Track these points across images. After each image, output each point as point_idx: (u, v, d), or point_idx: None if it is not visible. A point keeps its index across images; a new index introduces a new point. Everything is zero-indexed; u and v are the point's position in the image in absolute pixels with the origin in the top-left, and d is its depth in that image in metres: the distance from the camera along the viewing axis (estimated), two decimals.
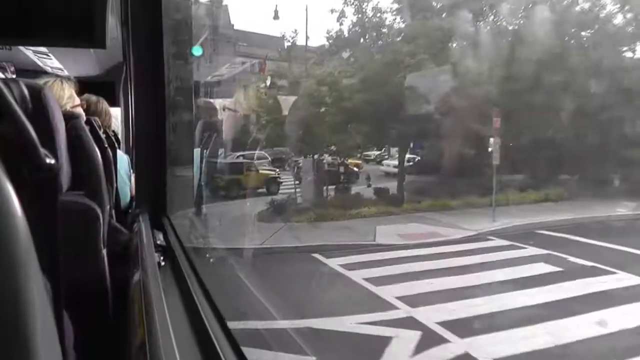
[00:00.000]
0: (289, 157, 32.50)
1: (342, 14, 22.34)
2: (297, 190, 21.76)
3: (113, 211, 2.30)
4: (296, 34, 26.51)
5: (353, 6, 22.29)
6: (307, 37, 26.82)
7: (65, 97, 2.49)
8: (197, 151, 2.83)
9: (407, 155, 25.96)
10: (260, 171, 25.36)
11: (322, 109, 19.69)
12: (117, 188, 2.36)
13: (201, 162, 2.46)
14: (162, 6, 1.98)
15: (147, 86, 2.05)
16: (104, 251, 1.52)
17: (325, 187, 20.39)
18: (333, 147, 21.93)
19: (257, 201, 20.63)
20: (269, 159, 29.29)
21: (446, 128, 20.03)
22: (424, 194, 19.74)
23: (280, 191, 23.24)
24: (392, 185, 22.28)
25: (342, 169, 21.65)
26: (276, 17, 27.35)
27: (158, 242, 1.56)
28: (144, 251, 1.43)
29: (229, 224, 16.80)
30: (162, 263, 1.39)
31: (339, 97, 20.09)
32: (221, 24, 46.05)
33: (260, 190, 23.78)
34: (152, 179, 1.98)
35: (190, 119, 2.60)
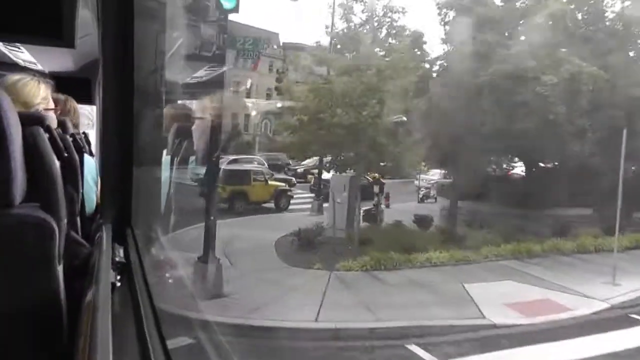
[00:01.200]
0: (285, 164, 31.49)
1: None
2: (313, 207, 19.73)
3: (78, 219, 2.28)
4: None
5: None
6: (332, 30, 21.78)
7: (39, 98, 2.47)
8: (167, 158, 2.81)
9: (436, 172, 24.88)
10: (270, 182, 23.30)
11: (367, 112, 15.67)
12: (83, 194, 2.35)
13: (171, 170, 2.45)
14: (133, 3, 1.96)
15: (114, 86, 2.04)
16: (60, 267, 1.50)
17: (359, 212, 16.85)
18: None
19: (269, 221, 18.58)
20: (265, 165, 28.23)
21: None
22: (477, 227, 17.12)
23: (290, 206, 21.89)
24: (426, 209, 19.70)
25: (376, 189, 18.01)
26: None
27: (117, 258, 1.54)
28: (100, 268, 1.41)
29: (236, 261, 13.53)
30: (118, 283, 1.38)
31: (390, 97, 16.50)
32: (211, 13, 46.01)
33: (266, 204, 21.79)
34: (117, 187, 1.97)
35: (161, 122, 2.58)
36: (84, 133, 2.98)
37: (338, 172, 17.91)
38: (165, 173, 2.72)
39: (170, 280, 1.83)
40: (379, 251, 14.37)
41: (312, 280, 13.02)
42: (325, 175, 29.01)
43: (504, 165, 22.26)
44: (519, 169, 23.41)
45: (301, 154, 21.17)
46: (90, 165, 2.65)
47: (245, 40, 19.21)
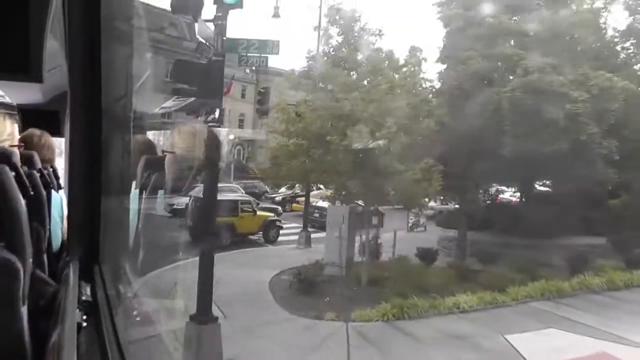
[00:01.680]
0: (262, 192, 31.04)
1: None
2: (301, 239, 18.37)
3: (45, 256, 2.26)
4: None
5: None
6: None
7: (5, 134, 2.47)
8: (135, 192, 2.80)
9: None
10: (258, 212, 21.90)
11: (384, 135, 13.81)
12: (50, 231, 2.33)
13: (140, 204, 2.44)
14: (101, 29, 1.98)
15: (82, 117, 2.04)
16: (24, 308, 1.49)
17: (362, 245, 15.44)
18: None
19: (256, 255, 17.27)
20: (242, 192, 27.73)
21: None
22: (489, 261, 15.79)
23: (279, 238, 20.62)
24: (418, 239, 18.74)
25: (375, 219, 16.04)
26: (276, 15, 23.87)
27: (84, 297, 1.53)
28: (66, 308, 1.41)
29: (229, 311, 11.38)
30: (84, 323, 1.37)
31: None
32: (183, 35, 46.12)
33: (254, 236, 20.55)
34: (84, 222, 1.95)
35: (130, 153, 2.58)
36: (52, 167, 2.96)
37: (342, 203, 15.90)
38: (134, 206, 2.71)
39: (138, 319, 1.82)
40: (394, 293, 12.63)
41: (329, 336, 11.07)
42: (320, 203, 28.41)
43: (494, 191, 21.66)
44: (509, 194, 23.09)
45: (304, 183, 19.52)
46: (57, 200, 2.64)
47: (249, 43, 15.83)
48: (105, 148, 2.02)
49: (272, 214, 23.11)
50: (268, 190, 33.00)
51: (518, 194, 22.21)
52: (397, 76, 16.11)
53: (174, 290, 9.14)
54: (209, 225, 15.02)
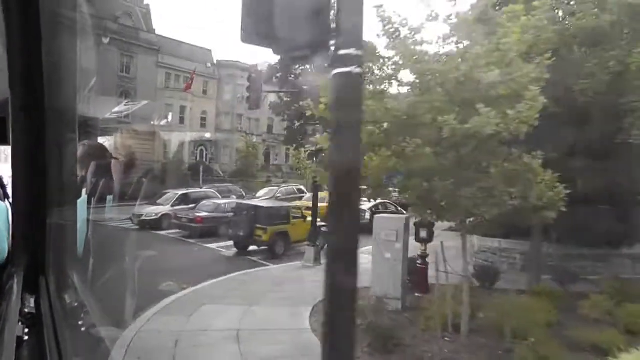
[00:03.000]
0: (239, 196, 30.41)
1: None
2: (309, 255, 16.27)
3: None
4: None
5: None
6: None
7: None
8: (82, 200, 2.79)
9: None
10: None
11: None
12: None
13: (89, 212, 2.43)
14: (41, 25, 1.92)
15: (24, 125, 2.01)
16: None
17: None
18: None
19: (264, 279, 14.79)
20: (219, 197, 27.14)
21: None
22: (570, 281, 12.79)
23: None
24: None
25: (423, 233, 12.95)
26: None
27: (27, 309, 1.54)
28: (6, 321, 1.41)
29: None
30: (26, 337, 1.38)
31: None
32: (138, 26, 45.27)
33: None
34: (29, 232, 1.96)
35: (77, 160, 2.58)
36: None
37: (420, 214, 11.55)
38: (83, 215, 2.71)
39: (83, 330, 1.83)
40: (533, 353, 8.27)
41: None
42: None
43: None
44: None
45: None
46: (2, 210, 2.62)
47: None
48: (51, 154, 2.01)
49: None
50: (244, 194, 32.47)
51: None
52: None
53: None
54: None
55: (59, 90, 2.20)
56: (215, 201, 25.14)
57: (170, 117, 39.57)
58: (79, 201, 2.61)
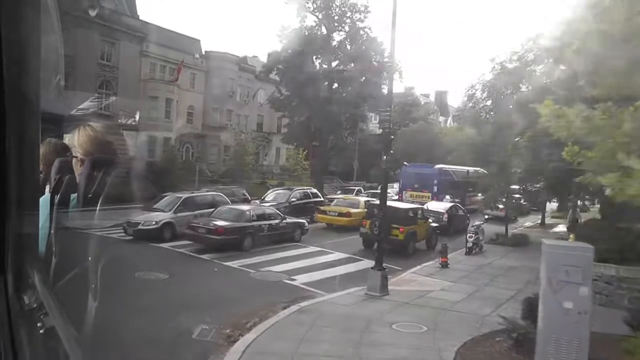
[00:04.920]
0: (242, 199, 29.61)
1: None
2: (373, 282, 14.34)
3: None
4: None
5: None
6: None
7: None
8: (45, 198, 2.83)
9: None
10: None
11: None
12: None
13: (51, 210, 2.45)
14: None
15: None
16: None
17: None
18: None
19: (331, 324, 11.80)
20: (226, 198, 25.88)
21: None
22: None
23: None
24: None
25: None
26: None
27: None
28: None
29: None
30: None
31: None
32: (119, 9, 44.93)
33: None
34: None
35: (40, 156, 2.62)
36: None
37: None
38: (45, 213, 2.74)
39: (42, 332, 1.86)
40: None
41: None
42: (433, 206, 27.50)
43: None
44: None
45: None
46: None
47: None
48: (10, 149, 2.03)
49: (430, 220, 24.10)
50: (248, 197, 31.39)
51: None
52: None
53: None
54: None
55: (20, 78, 2.20)
56: (235, 207, 23.28)
57: (137, 115, 38.44)
58: (41, 199, 2.64)
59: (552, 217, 34.63)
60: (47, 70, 2.76)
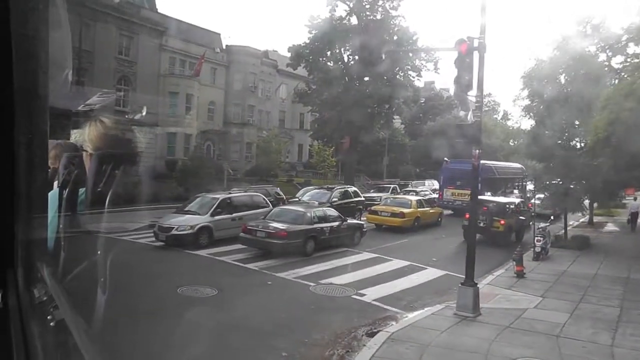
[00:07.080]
0: (278, 197, 29.26)
1: None
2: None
3: None
4: None
5: None
6: None
7: None
8: (54, 193, 2.95)
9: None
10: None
11: None
12: None
13: (60, 205, 2.55)
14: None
15: None
16: None
17: None
18: None
19: None
20: (264, 197, 25.13)
21: None
22: None
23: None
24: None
25: None
26: None
27: None
28: None
29: None
30: None
31: None
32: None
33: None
34: None
35: (48, 150, 2.74)
36: None
37: None
38: (54, 207, 2.87)
39: (52, 325, 1.97)
40: None
41: None
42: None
43: None
44: None
45: None
46: None
47: None
48: (19, 144, 2.13)
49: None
50: (285, 197, 30.61)
51: None
52: None
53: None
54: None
55: (29, 73, 2.29)
56: (291, 207, 22.44)
57: (144, 111, 38.35)
58: (50, 194, 2.78)
59: (595, 215, 34.06)
60: (56, 65, 2.85)
